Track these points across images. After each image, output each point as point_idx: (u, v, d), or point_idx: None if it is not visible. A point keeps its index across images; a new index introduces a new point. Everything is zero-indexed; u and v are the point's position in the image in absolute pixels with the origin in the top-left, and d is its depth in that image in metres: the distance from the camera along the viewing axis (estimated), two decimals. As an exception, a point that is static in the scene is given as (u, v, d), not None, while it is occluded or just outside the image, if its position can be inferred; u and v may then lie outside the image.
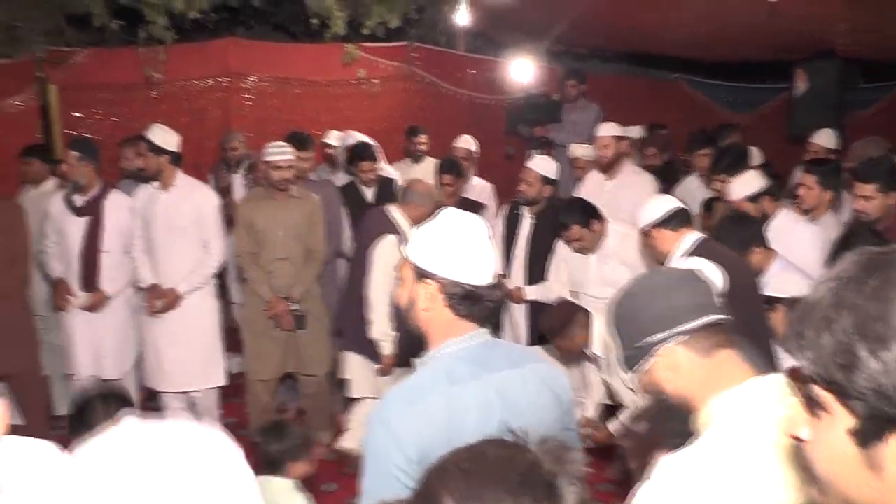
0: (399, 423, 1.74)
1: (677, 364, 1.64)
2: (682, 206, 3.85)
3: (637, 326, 1.68)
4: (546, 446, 1.14)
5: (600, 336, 3.85)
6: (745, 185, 4.55)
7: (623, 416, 3.93)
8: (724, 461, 1.48)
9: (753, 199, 4.49)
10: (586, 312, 3.91)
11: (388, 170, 6.08)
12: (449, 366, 1.84)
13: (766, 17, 5.69)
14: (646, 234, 3.83)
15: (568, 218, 4.45)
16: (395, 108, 8.13)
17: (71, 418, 2.69)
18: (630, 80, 9.52)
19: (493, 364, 1.87)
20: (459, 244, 1.86)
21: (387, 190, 5.75)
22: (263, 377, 4.98)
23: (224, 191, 6.10)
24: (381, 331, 4.54)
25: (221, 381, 5.14)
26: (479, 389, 1.81)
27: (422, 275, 1.88)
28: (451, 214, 1.93)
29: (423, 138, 6.66)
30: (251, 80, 7.72)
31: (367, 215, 4.93)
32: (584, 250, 4.50)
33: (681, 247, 3.62)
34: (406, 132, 6.82)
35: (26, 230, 4.94)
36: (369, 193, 5.79)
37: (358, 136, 6.16)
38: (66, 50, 7.17)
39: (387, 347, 4.56)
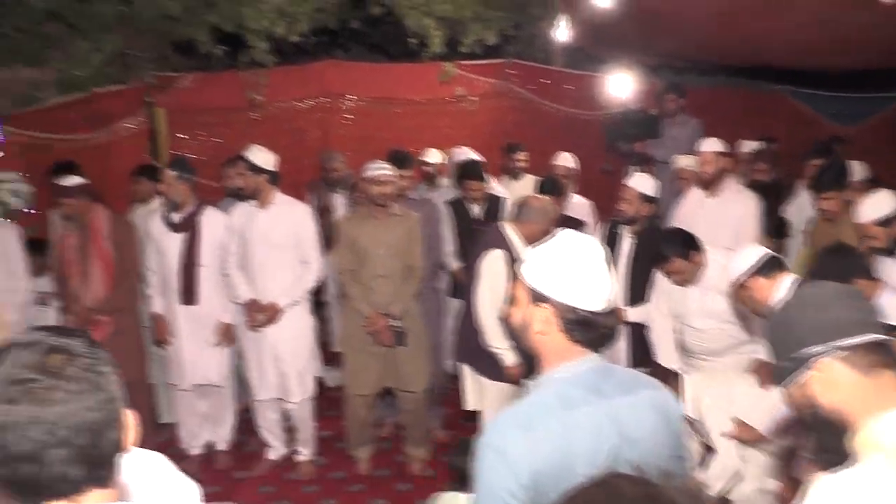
0: (513, 448, 1.73)
1: (835, 379, 1.60)
2: (772, 252, 3.71)
3: (794, 337, 1.65)
4: (678, 484, 1.12)
5: (693, 399, 3.78)
6: (876, 206, 4.24)
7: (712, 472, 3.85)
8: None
9: (885, 222, 4.19)
10: (676, 375, 3.85)
11: (496, 188, 6.11)
12: (562, 390, 1.83)
13: (883, 19, 5.44)
14: (741, 285, 3.71)
15: (668, 250, 4.34)
16: (492, 125, 8.19)
17: None
18: (729, 93, 9.30)
19: (606, 390, 1.85)
20: (576, 268, 1.84)
21: (494, 207, 5.83)
22: (362, 392, 5.08)
23: (324, 210, 6.27)
24: (496, 342, 4.55)
25: (313, 392, 5.26)
26: (592, 415, 1.79)
27: (537, 297, 1.87)
28: (568, 236, 1.91)
29: (521, 155, 6.67)
30: (349, 101, 7.92)
31: (481, 233, 4.94)
32: (683, 282, 4.40)
33: (778, 292, 3.50)
34: (505, 149, 6.84)
35: (136, 246, 5.20)
36: (476, 210, 5.84)
37: (467, 153, 6.21)
38: (173, 75, 7.54)
39: (508, 357, 4.54)
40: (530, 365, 2.06)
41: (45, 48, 7.14)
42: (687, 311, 4.43)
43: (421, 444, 5.30)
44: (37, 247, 5.38)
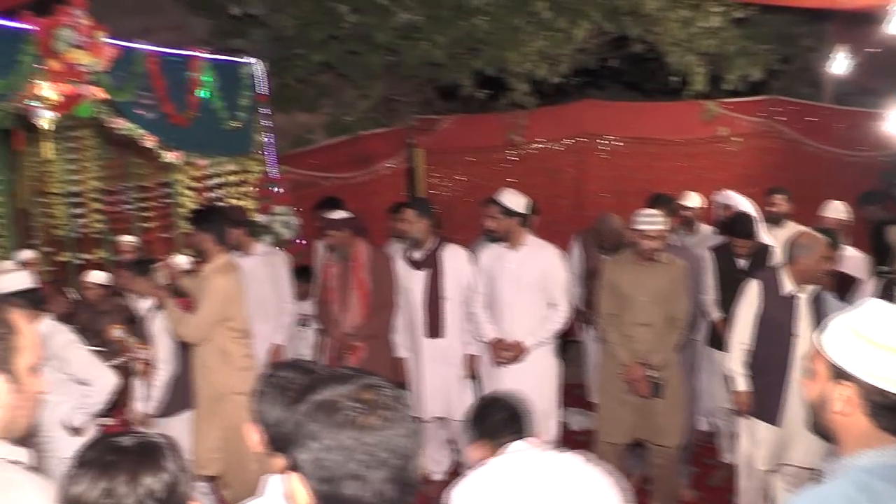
0: None
1: None
2: None
3: None
4: None
5: None
6: None
7: None
8: None
9: None
10: None
11: (763, 237, 5.78)
12: (864, 482, 1.61)
13: None
14: None
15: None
16: (752, 167, 7.80)
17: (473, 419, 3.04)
18: None
19: None
20: (887, 342, 1.64)
21: (762, 256, 5.46)
22: (612, 440, 5.00)
23: (593, 273, 5.99)
24: (732, 364, 4.53)
25: (556, 435, 5.25)
26: None
27: (839, 374, 1.68)
28: (875, 306, 1.72)
29: (779, 198, 6.16)
30: (606, 141, 7.92)
31: (746, 282, 4.72)
32: None
33: None
34: (766, 193, 6.47)
35: (393, 278, 5.48)
36: (742, 262, 5.56)
37: (739, 202, 5.92)
38: (434, 118, 7.96)
39: (739, 383, 4.52)
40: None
41: (319, 96, 7.86)
42: None
43: (667, 501, 5.11)
44: (302, 273, 5.99)
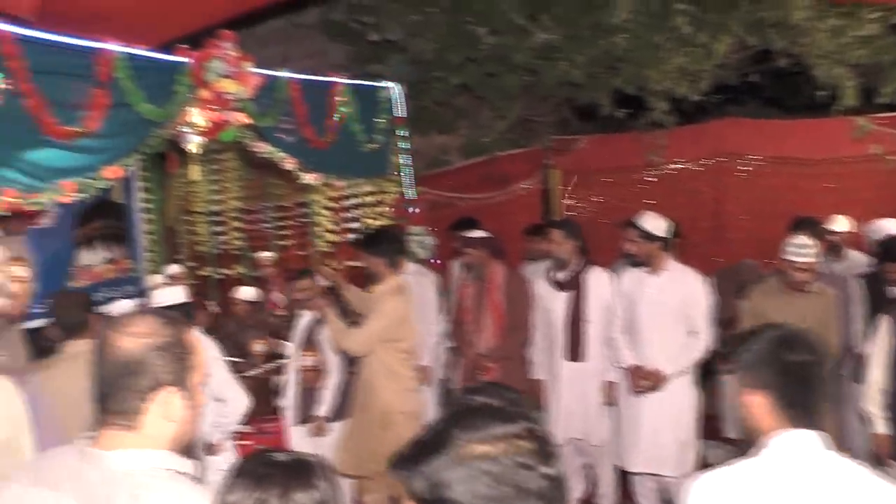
0: None
1: None
2: None
3: None
4: None
5: None
6: None
7: None
8: None
9: None
10: None
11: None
12: None
13: None
14: None
15: None
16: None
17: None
18: None
19: None
20: None
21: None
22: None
23: (729, 321, 5.83)
24: (870, 406, 4.38)
25: (694, 467, 5.11)
26: None
27: None
28: None
29: None
30: (747, 160, 7.68)
31: None
32: None
33: None
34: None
35: (528, 300, 5.47)
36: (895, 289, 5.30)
37: (889, 228, 5.70)
38: (571, 138, 7.94)
39: (879, 425, 4.35)
40: None
41: (456, 117, 7.98)
42: None
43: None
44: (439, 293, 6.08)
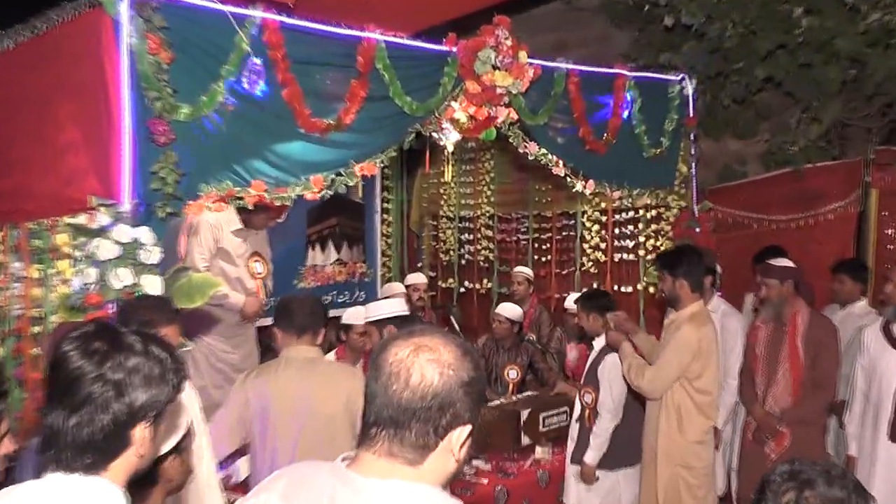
0: None
1: None
2: None
3: None
4: None
5: None
6: None
7: None
8: None
9: None
10: None
11: None
12: None
13: None
14: None
15: None
16: None
17: None
18: None
19: None
20: None
21: None
22: None
23: None
24: None
25: None
26: None
27: None
28: None
29: None
30: None
31: None
32: None
33: None
34: None
35: (837, 354, 4.92)
36: None
37: None
38: (896, 150, 7.09)
39: None
40: None
41: (757, 119, 7.40)
42: None
43: None
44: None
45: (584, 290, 6.26)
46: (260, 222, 5.75)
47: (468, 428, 1.67)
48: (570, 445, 5.10)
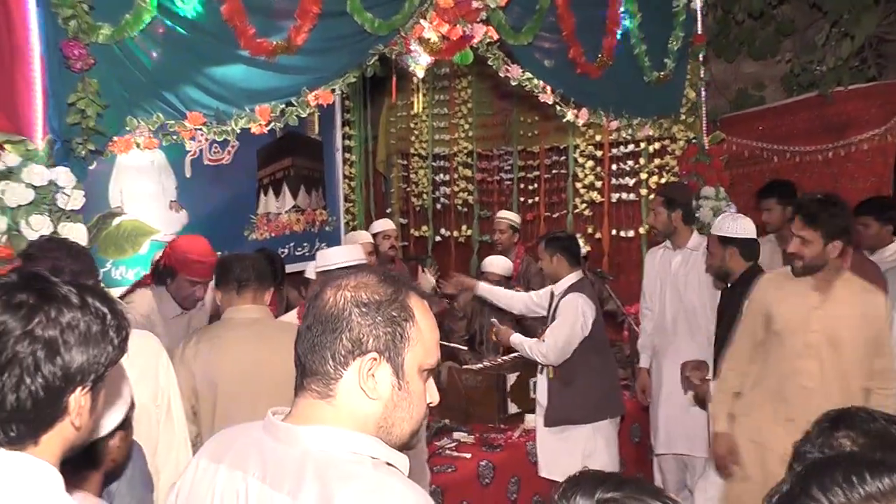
0: None
1: None
2: None
3: None
4: None
5: None
6: None
7: None
8: None
9: None
10: None
11: None
12: None
13: None
14: None
15: None
16: None
17: None
18: None
19: None
20: None
21: None
22: None
23: None
24: None
25: None
26: None
27: None
28: None
29: None
30: None
31: None
32: None
33: None
34: None
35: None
36: None
37: None
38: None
39: None
40: None
41: (777, 37, 7.39)
42: None
43: None
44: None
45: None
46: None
47: (375, 359, 1.70)
48: (541, 403, 5.16)
